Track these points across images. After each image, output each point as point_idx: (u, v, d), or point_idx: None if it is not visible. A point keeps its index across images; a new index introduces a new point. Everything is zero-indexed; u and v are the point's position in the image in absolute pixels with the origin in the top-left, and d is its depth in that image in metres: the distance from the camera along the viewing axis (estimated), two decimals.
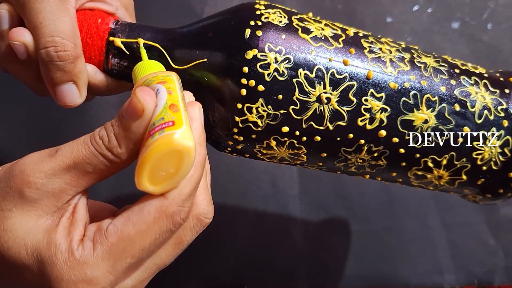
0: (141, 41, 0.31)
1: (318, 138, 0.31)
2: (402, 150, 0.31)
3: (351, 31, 0.32)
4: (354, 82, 0.30)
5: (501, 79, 0.34)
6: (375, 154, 0.32)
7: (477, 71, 0.34)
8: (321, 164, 0.33)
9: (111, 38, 0.31)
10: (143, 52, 0.31)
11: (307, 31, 0.31)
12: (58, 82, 0.30)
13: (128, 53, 0.32)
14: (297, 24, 0.31)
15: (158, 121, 0.23)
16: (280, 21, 0.31)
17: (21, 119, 0.51)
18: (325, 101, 0.30)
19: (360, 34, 0.33)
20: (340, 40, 0.31)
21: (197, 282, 0.50)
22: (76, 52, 0.30)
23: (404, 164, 0.32)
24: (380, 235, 0.53)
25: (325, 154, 0.32)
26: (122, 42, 0.31)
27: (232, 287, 0.50)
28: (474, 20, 0.57)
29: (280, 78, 0.29)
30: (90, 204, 0.27)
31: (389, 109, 0.31)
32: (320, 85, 0.30)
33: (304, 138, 0.31)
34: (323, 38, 0.31)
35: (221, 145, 0.33)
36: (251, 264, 0.51)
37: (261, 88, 0.29)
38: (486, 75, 0.34)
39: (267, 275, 0.51)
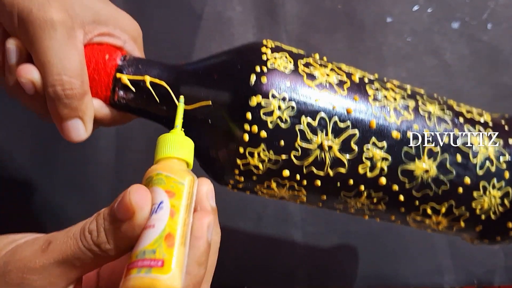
0: (147, 78, 0.31)
1: (319, 182, 0.31)
2: (401, 198, 0.32)
3: (356, 76, 0.32)
4: (357, 131, 0.30)
5: (506, 128, 0.33)
6: (375, 200, 0.32)
7: (481, 120, 0.33)
8: (321, 204, 0.34)
9: (118, 75, 0.32)
10: (180, 110, 0.30)
11: (312, 77, 0.31)
12: (64, 118, 0.31)
13: (134, 89, 0.32)
14: (302, 70, 0.31)
15: (149, 253, 0.23)
16: (286, 67, 0.30)
17: (21, 119, 0.51)
18: (327, 148, 0.30)
19: (366, 80, 0.32)
20: (344, 86, 0.31)
21: None
22: (83, 89, 0.30)
23: (403, 209, 0.32)
24: (380, 235, 0.52)
25: (325, 197, 0.32)
26: (128, 79, 0.32)
27: None
28: (474, 20, 0.56)
29: (283, 126, 0.29)
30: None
31: (390, 158, 0.31)
32: (323, 132, 0.30)
33: (305, 182, 0.31)
34: (327, 86, 0.31)
35: (222, 181, 0.33)
36: (251, 265, 0.51)
37: (263, 134, 0.29)
38: (490, 123, 0.33)
39: (267, 276, 0.51)
